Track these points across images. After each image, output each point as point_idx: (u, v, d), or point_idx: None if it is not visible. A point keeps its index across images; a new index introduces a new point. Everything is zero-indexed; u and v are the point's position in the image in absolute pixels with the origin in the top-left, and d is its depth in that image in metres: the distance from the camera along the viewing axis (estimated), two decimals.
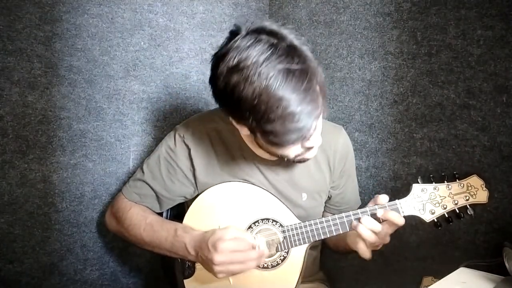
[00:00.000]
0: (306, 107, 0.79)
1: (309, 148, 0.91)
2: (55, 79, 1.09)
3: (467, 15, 1.07)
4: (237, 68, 0.78)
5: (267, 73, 0.76)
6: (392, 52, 1.23)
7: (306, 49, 0.83)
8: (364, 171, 1.31)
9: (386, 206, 0.91)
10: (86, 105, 1.15)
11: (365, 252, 0.93)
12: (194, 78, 1.39)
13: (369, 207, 0.93)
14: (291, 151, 0.90)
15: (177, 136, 1.06)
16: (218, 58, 0.83)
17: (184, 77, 1.36)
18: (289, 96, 0.77)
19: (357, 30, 1.32)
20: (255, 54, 0.78)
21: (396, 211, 0.91)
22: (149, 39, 1.27)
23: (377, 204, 0.92)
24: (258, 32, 0.81)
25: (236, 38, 0.81)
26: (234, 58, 0.79)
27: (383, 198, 0.92)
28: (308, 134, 0.84)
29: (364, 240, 0.91)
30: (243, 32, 0.81)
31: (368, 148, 1.30)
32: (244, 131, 0.91)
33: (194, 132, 1.06)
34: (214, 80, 0.85)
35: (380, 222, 0.90)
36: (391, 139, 1.24)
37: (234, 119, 0.89)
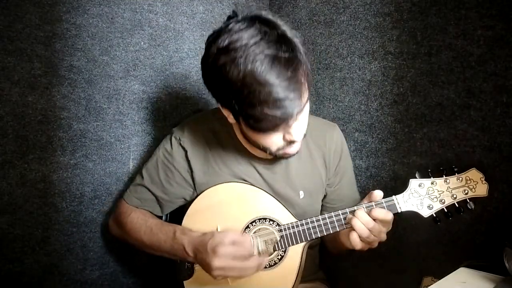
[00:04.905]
0: (289, 95, 0.78)
1: (291, 142, 0.90)
2: (55, 79, 1.09)
3: (467, 15, 1.07)
4: (226, 49, 0.79)
5: (253, 57, 0.77)
6: (392, 52, 1.23)
7: (297, 41, 0.83)
8: (364, 171, 1.31)
9: (383, 203, 0.90)
10: (86, 105, 1.15)
11: (357, 243, 0.89)
12: (194, 78, 1.39)
13: (364, 204, 0.91)
14: (273, 142, 0.89)
15: (173, 139, 1.07)
16: (212, 39, 0.83)
17: (184, 77, 1.36)
18: (273, 81, 0.77)
19: (357, 30, 1.32)
20: (245, 37, 0.78)
21: (393, 207, 0.90)
22: (149, 39, 1.27)
23: (371, 201, 0.91)
24: (253, 19, 0.82)
25: (231, 21, 0.82)
26: (225, 39, 0.80)
27: (377, 195, 0.90)
28: (289, 123, 0.83)
29: (357, 232, 0.88)
30: (239, 17, 0.83)
31: (368, 148, 1.30)
32: (230, 119, 0.91)
33: (190, 133, 1.06)
34: (205, 60, 0.85)
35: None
36: (391, 139, 1.24)
37: (220, 102, 0.89)
